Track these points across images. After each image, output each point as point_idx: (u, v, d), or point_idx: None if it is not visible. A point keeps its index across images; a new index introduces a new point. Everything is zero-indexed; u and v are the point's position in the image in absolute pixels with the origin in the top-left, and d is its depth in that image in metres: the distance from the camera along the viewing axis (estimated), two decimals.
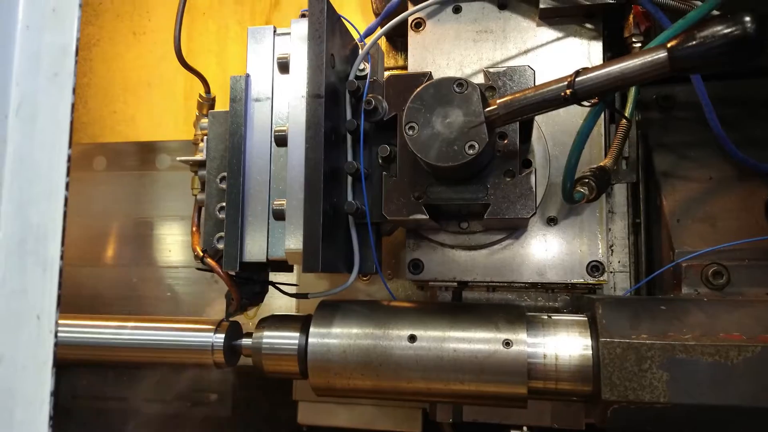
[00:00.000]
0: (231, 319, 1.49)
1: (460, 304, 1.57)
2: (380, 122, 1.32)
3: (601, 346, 1.14)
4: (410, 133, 1.14)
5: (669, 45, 0.93)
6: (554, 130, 1.51)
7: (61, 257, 0.84)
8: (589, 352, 1.20)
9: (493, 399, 1.27)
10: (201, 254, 1.36)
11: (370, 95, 1.30)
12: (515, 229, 1.48)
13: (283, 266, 1.54)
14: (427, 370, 1.26)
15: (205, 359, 1.47)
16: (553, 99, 1.02)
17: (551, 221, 1.49)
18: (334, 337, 1.33)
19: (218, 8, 2.48)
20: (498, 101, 1.08)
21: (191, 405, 2.13)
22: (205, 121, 1.44)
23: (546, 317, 1.31)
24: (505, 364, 1.23)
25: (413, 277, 1.54)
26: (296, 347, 1.37)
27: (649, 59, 0.95)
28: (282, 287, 1.56)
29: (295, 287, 1.77)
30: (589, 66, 1.07)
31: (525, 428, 1.76)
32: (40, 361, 0.82)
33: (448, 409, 1.69)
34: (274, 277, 1.62)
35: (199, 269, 1.38)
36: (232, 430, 2.16)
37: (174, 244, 2.20)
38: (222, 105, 1.50)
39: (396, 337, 1.30)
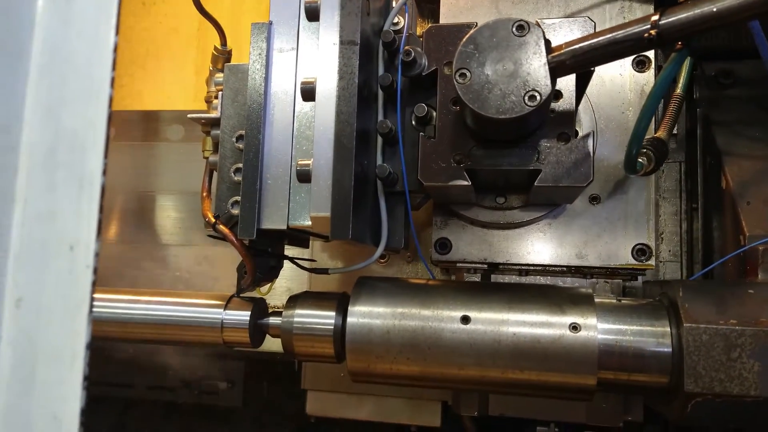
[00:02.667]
0: (242, 295, 1.37)
1: (515, 284, 1.44)
2: (418, 77, 1.19)
3: (685, 332, 1.01)
4: (461, 80, 1.00)
5: None
6: (599, 102, 1.39)
7: (104, 172, 0.66)
8: (668, 339, 1.07)
9: (555, 390, 1.13)
10: (213, 220, 1.23)
11: (408, 47, 1.17)
12: (557, 205, 1.36)
13: (301, 239, 1.42)
14: (481, 356, 1.13)
15: (214, 338, 1.34)
16: (633, 42, 0.89)
17: (594, 200, 1.38)
18: (376, 316, 1.19)
19: None
20: (564, 46, 0.95)
21: (198, 393, 2.01)
22: (220, 75, 1.30)
23: (616, 300, 1.18)
24: (572, 351, 1.09)
25: (439, 258, 1.42)
26: (332, 327, 1.24)
27: None
28: (300, 262, 1.43)
29: (311, 263, 1.64)
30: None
31: (553, 425, 1.64)
32: (72, 303, 0.64)
33: (473, 402, 1.57)
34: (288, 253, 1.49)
35: (210, 236, 1.25)
36: (239, 419, 2.04)
37: (180, 220, 2.08)
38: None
39: (447, 318, 1.16)
